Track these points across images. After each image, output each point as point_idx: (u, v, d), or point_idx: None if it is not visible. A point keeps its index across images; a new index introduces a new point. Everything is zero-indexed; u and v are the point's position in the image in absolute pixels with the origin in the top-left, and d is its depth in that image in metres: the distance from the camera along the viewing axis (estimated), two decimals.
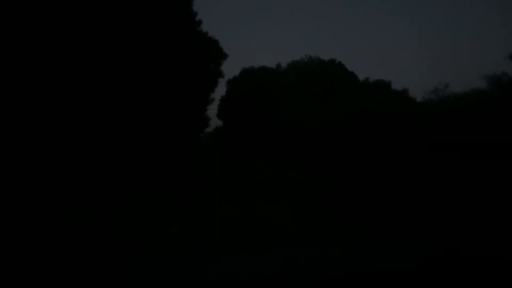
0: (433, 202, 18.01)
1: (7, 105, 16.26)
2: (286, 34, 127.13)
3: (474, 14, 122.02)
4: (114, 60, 18.98)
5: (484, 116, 22.63)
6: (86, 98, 18.05)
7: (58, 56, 17.73)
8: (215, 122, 41.72)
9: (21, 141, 16.25)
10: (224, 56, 29.15)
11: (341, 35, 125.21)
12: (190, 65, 24.09)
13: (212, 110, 40.37)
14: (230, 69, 44.74)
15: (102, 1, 19.25)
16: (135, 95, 19.64)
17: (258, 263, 10.25)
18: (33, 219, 13.05)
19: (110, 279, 10.12)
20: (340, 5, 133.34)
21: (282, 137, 34.08)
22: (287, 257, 10.94)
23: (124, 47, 19.45)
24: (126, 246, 11.93)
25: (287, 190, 21.47)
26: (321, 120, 32.65)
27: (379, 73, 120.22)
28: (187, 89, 23.53)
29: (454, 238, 12.78)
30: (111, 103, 18.91)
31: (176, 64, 22.45)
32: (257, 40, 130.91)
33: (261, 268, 9.58)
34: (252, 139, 34.88)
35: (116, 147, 18.81)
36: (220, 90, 42.29)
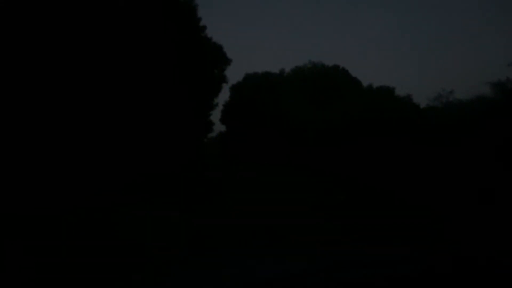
0: (432, 207, 17.95)
1: (9, 106, 16.31)
2: (289, 40, 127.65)
3: (479, 21, 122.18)
4: (120, 65, 19.07)
5: (488, 122, 22.55)
6: (90, 101, 18.12)
7: (65, 62, 17.84)
8: (218, 127, 41.64)
9: (23, 144, 16.27)
10: (227, 61, 29.17)
11: (344, 41, 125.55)
12: (194, 70, 24.15)
13: (215, 115, 40.46)
14: (234, 74, 44.62)
15: (110, 8, 19.39)
16: (139, 99, 19.69)
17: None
18: (33, 222, 13.06)
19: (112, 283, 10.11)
20: (344, 11, 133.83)
21: (286, 143, 34.04)
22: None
23: (129, 52, 19.55)
24: (129, 252, 11.92)
25: (290, 195, 21.41)
26: (324, 125, 32.60)
27: (383, 79, 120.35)
28: (190, 94, 23.56)
29: (455, 241, 12.72)
30: (115, 107, 18.96)
31: (180, 69, 22.52)
32: (260, 46, 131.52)
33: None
34: (256, 144, 34.82)
35: (119, 152, 18.81)
36: (224, 95, 42.24)
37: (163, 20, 21.43)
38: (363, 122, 29.46)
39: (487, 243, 11.28)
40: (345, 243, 13.56)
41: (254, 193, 21.21)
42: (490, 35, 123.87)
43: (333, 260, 10.55)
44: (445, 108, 28.55)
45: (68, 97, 17.37)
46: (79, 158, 17.32)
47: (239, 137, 38.18)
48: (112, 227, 13.52)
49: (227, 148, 40.80)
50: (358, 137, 28.23)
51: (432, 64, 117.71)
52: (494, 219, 14.94)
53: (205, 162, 28.31)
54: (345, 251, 12.10)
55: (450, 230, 14.45)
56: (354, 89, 40.75)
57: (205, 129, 30.03)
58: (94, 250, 11.32)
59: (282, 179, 25.09)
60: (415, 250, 11.59)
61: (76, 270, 10.16)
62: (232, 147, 39.05)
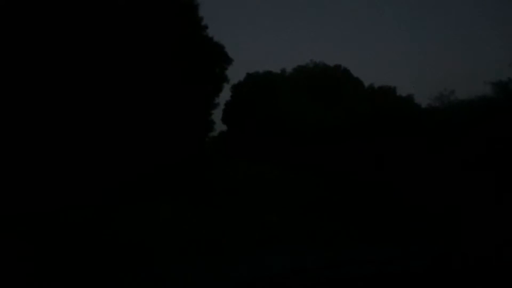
0: (431, 207, 17.96)
1: (8, 106, 16.38)
2: (291, 39, 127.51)
3: (480, 20, 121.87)
4: (120, 64, 19.12)
5: (489, 122, 22.53)
6: (91, 100, 18.18)
7: (66, 61, 17.90)
8: (219, 127, 41.79)
9: (22, 143, 16.34)
10: (229, 60, 29.19)
11: (346, 40, 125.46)
12: (195, 69, 24.21)
13: (217, 114, 40.72)
14: (235, 74, 44.64)
15: (110, 6, 19.46)
16: (140, 98, 19.75)
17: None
18: (33, 222, 13.10)
19: (113, 282, 10.14)
20: (345, 11, 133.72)
21: (287, 142, 34.06)
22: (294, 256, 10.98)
23: (130, 51, 19.60)
24: (129, 251, 11.95)
25: (291, 194, 21.45)
26: (326, 125, 32.64)
27: (384, 79, 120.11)
28: (192, 93, 23.62)
29: (453, 239, 12.74)
30: (115, 106, 19.02)
31: (181, 68, 22.57)
32: (262, 45, 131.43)
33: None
34: (257, 143, 34.88)
35: (120, 150, 18.88)
36: (225, 94, 42.32)
37: (164, 19, 21.48)
38: (365, 122, 29.50)
39: (488, 242, 11.28)
40: (345, 242, 13.59)
41: (255, 192, 21.24)
42: (492, 35, 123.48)
43: (333, 259, 10.57)
44: (447, 108, 28.54)
45: (68, 93, 17.44)
46: (77, 156, 17.38)
47: (240, 136, 38.26)
48: (110, 226, 13.55)
49: (228, 147, 40.87)
50: (360, 136, 28.25)
51: (433, 64, 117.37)
52: (495, 219, 14.93)
53: (206, 161, 28.34)
54: (345, 250, 12.13)
55: (451, 230, 14.45)
56: (355, 89, 40.84)
57: (206, 128, 30.09)
58: (92, 249, 11.35)
59: (282, 178, 25.14)
60: (415, 249, 11.61)
61: (74, 269, 10.19)
62: (233, 146, 39.10)
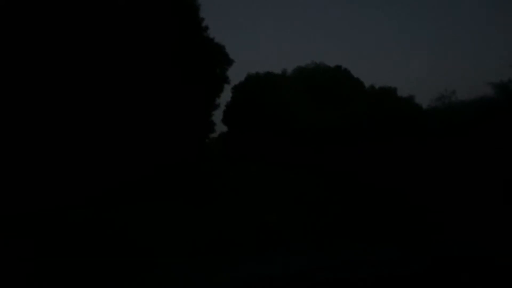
0: (432, 207, 17.95)
1: (7, 105, 16.40)
2: (291, 40, 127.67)
3: (481, 21, 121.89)
4: (120, 64, 19.13)
5: (490, 123, 22.50)
6: (91, 101, 18.19)
7: (66, 61, 17.92)
8: (220, 128, 41.74)
9: (21, 143, 16.36)
10: (230, 61, 29.13)
11: (346, 40, 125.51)
12: (196, 70, 24.20)
13: (217, 115, 40.56)
14: (236, 74, 44.50)
15: (110, 7, 19.48)
16: (140, 98, 19.74)
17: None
18: (33, 222, 13.11)
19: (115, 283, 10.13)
20: (346, 12, 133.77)
21: (287, 143, 34.02)
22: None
23: (130, 52, 19.61)
24: (129, 251, 11.94)
25: (291, 195, 21.43)
26: (326, 125, 32.60)
27: (385, 80, 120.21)
28: (192, 94, 23.60)
29: (453, 240, 12.73)
30: (115, 106, 19.03)
31: (182, 68, 22.57)
32: (262, 46, 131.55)
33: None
34: (257, 144, 34.84)
35: (120, 151, 18.88)
36: (226, 95, 42.24)
37: (165, 20, 21.48)
38: (365, 123, 29.47)
39: (489, 243, 11.26)
40: (345, 242, 13.58)
41: (255, 192, 21.23)
42: (492, 35, 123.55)
43: (333, 259, 10.56)
44: (447, 109, 28.49)
45: (69, 94, 17.46)
46: (77, 156, 17.39)
47: (241, 137, 38.21)
48: (110, 226, 13.55)
49: (228, 148, 40.83)
50: (360, 137, 28.23)
51: (433, 64, 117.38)
52: (496, 219, 14.91)
53: (206, 162, 28.34)
54: (345, 250, 12.12)
55: (451, 231, 14.42)
56: (356, 90, 40.81)
57: (206, 129, 30.04)
58: (92, 249, 11.35)
59: (282, 178, 25.11)
60: (415, 249, 11.60)
61: (74, 269, 10.18)
62: (233, 147, 39.06)
